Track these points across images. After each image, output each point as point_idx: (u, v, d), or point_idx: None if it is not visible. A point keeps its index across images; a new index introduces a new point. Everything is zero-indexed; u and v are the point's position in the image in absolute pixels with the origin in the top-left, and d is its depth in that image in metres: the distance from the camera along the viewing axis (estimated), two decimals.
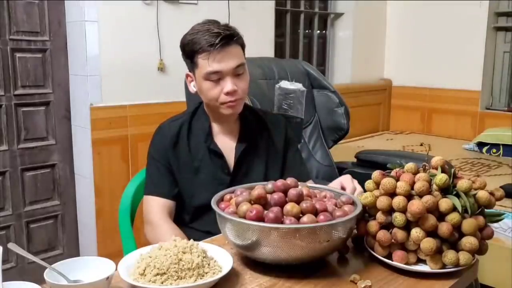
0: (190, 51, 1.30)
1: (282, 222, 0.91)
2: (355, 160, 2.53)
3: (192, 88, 1.39)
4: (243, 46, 1.34)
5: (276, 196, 0.95)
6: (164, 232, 1.29)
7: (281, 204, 0.94)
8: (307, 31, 3.84)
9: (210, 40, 1.26)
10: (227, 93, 1.29)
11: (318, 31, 3.90)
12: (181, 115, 1.46)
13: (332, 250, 0.95)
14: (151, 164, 1.41)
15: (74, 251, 2.58)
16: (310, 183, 1.45)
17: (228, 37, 1.27)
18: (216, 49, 1.25)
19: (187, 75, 1.39)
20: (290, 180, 1.01)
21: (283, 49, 3.57)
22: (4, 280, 0.80)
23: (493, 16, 3.67)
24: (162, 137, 1.40)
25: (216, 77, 1.29)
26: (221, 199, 1.04)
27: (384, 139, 3.77)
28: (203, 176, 1.37)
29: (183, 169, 1.37)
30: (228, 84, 1.29)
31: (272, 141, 1.46)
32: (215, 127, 1.41)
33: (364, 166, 2.37)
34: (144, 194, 1.40)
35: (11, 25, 2.27)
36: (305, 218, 0.91)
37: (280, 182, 0.99)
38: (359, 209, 0.96)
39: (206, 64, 1.27)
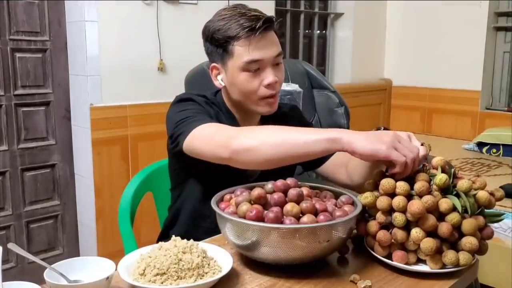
0: (223, 38, 1.15)
1: (282, 222, 0.91)
2: None
3: (220, 82, 1.22)
4: (277, 34, 1.21)
5: (276, 196, 0.95)
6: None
7: (281, 204, 0.94)
8: (307, 31, 3.84)
9: (249, 24, 1.12)
10: (268, 85, 1.16)
11: (318, 31, 3.89)
12: (203, 98, 1.23)
13: (332, 250, 0.95)
14: (190, 104, 1.18)
15: (74, 251, 2.58)
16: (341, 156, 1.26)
17: (269, 20, 1.15)
18: (257, 35, 1.13)
19: (213, 67, 1.23)
20: (290, 180, 1.01)
21: (283, 49, 3.55)
22: (4, 280, 0.80)
23: (493, 16, 3.67)
24: (206, 103, 1.22)
25: (256, 67, 1.15)
26: (221, 199, 1.04)
27: None
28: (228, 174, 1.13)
29: None
30: (269, 75, 1.16)
31: None
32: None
33: None
34: (186, 133, 1.10)
35: (11, 25, 2.27)
36: (305, 218, 0.91)
37: (280, 182, 0.98)
38: (359, 209, 0.96)
39: (246, 52, 1.14)
